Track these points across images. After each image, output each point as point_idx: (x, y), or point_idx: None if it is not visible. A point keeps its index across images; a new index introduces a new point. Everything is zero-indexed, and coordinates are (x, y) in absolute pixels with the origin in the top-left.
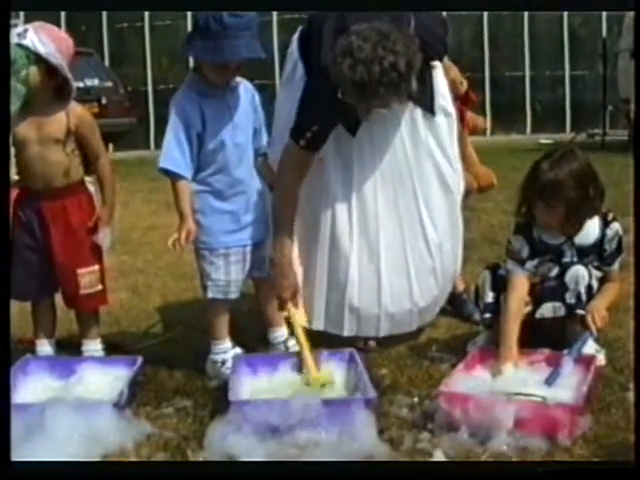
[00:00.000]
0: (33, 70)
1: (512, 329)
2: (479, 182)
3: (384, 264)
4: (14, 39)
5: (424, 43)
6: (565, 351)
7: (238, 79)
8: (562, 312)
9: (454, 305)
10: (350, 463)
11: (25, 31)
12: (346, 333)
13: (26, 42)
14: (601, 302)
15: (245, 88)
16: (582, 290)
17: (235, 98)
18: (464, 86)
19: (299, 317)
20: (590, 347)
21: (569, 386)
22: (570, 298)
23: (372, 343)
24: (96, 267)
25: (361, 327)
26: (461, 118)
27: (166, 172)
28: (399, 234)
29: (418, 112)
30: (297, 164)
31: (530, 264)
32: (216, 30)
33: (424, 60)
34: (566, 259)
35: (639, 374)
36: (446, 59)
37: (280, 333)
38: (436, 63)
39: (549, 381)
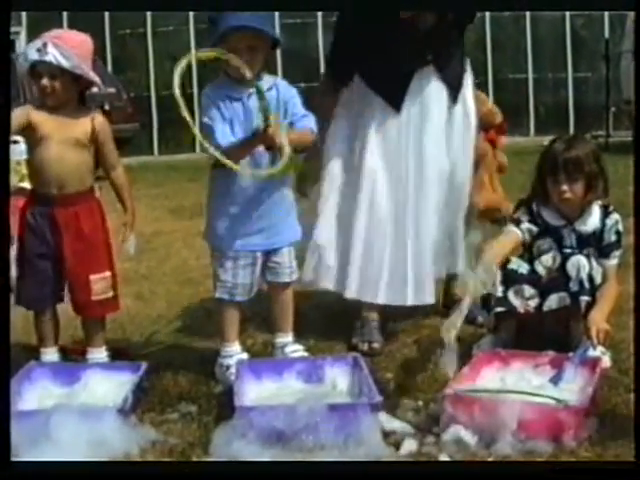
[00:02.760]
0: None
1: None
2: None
3: (389, 231)
4: (34, 56)
5: None
6: (570, 354)
7: (268, 81)
8: (567, 301)
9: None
10: (352, 463)
11: (45, 46)
12: (348, 295)
13: (48, 58)
14: (601, 312)
15: (277, 91)
16: (584, 277)
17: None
18: (499, 117)
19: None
20: (595, 349)
21: (574, 388)
22: (573, 286)
23: (376, 345)
24: (108, 273)
25: (362, 291)
26: (493, 146)
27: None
28: (404, 204)
29: (445, 96)
30: (324, 90)
31: (526, 226)
32: (215, 19)
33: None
34: (566, 243)
35: (639, 369)
36: (482, 94)
37: (283, 339)
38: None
39: (553, 382)
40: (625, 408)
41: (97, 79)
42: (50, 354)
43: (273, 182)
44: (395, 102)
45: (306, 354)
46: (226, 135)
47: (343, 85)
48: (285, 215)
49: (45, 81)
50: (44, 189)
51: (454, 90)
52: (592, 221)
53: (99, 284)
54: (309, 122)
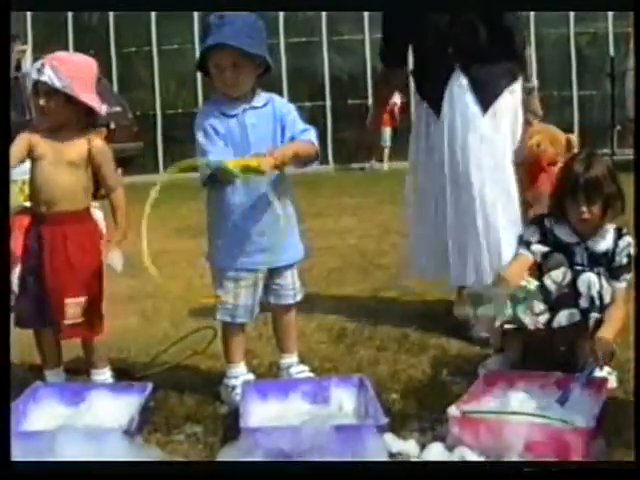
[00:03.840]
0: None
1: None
2: None
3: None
4: (34, 75)
5: None
6: (576, 375)
7: (264, 98)
8: (577, 317)
9: (461, 327)
10: (352, 463)
11: (43, 66)
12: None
13: (44, 78)
14: (608, 333)
15: (273, 107)
16: (595, 294)
17: (255, 118)
18: (541, 150)
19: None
20: (601, 370)
21: (581, 409)
22: (584, 303)
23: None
24: (82, 299)
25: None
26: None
27: (215, 172)
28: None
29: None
30: (380, 76)
31: (537, 247)
32: (206, 31)
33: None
34: (577, 260)
35: (639, 371)
36: (540, 125)
37: (288, 360)
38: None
39: (560, 402)
40: (632, 428)
41: (92, 101)
42: (54, 375)
43: (277, 198)
44: (435, 107)
45: (312, 375)
46: (219, 154)
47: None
48: (288, 233)
49: (42, 101)
50: (36, 208)
51: (483, 102)
52: (605, 241)
53: (73, 309)
54: (310, 135)
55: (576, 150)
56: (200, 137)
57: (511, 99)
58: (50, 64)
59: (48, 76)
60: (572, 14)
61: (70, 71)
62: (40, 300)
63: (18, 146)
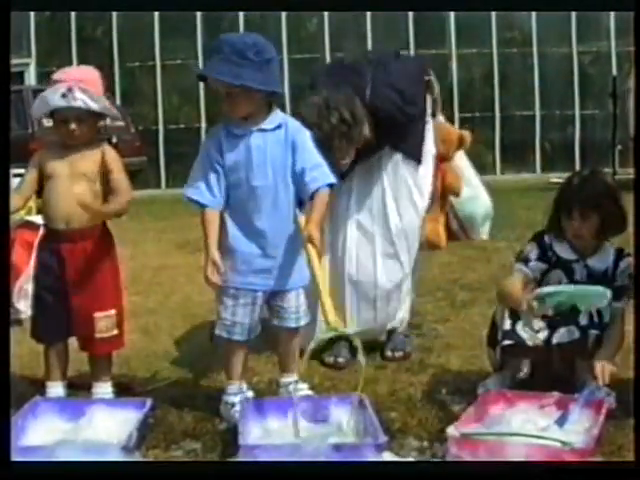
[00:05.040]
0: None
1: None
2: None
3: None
4: (59, 102)
5: (377, 109)
6: (575, 395)
7: (278, 119)
8: (576, 335)
9: None
10: (353, 464)
11: (70, 91)
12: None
13: (77, 104)
14: (607, 353)
15: (285, 130)
16: (594, 312)
17: (261, 140)
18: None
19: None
20: (600, 390)
21: (580, 430)
22: (582, 320)
23: (341, 360)
24: (113, 312)
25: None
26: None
27: (191, 201)
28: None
29: (399, 157)
30: None
31: (534, 264)
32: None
33: (393, 120)
34: (576, 277)
35: (639, 369)
36: (441, 120)
37: (289, 379)
38: (428, 120)
39: (559, 423)
40: (631, 449)
41: (112, 111)
42: (56, 388)
43: (281, 221)
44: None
45: (311, 393)
46: (199, 191)
47: None
48: (293, 258)
49: (73, 125)
50: (53, 225)
51: (415, 158)
52: (605, 260)
53: (103, 322)
54: (323, 176)
55: (467, 146)
56: (198, 159)
57: (430, 125)
58: (80, 88)
59: (82, 101)
60: (574, 33)
61: (97, 89)
62: (60, 316)
63: (29, 177)
